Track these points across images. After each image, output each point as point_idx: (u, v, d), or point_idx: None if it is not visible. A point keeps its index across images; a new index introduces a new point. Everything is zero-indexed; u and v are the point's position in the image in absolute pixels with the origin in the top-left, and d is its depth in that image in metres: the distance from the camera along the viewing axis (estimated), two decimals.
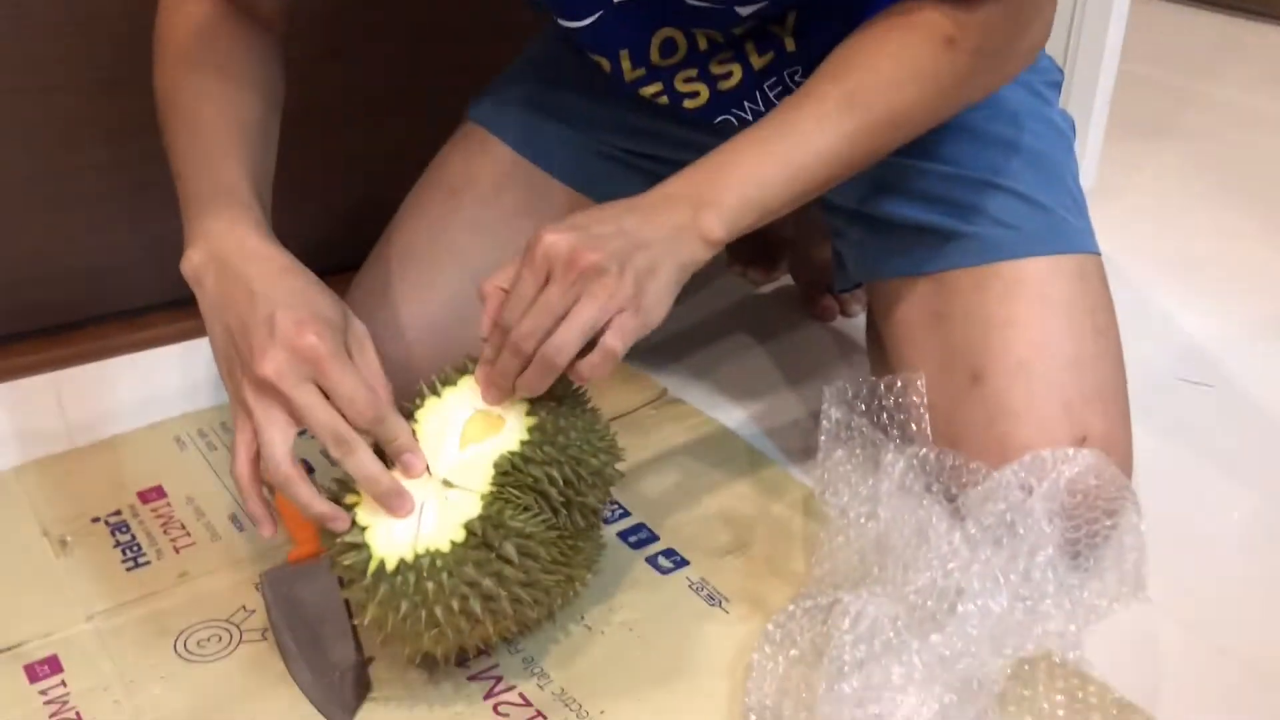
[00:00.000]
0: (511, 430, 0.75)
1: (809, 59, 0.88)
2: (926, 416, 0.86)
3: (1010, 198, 0.88)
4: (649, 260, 0.72)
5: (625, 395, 1.08)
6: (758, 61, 0.89)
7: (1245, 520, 0.95)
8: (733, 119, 0.93)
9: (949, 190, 0.89)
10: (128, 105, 1.11)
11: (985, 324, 0.86)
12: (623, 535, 0.91)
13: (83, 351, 1.13)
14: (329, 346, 0.71)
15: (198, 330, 1.17)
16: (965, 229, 0.88)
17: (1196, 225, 1.47)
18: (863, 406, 0.86)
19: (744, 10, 0.83)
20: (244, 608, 0.84)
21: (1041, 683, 0.74)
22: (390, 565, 0.70)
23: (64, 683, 0.78)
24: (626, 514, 0.93)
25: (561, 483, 0.75)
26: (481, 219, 1.00)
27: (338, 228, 1.27)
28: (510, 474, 0.74)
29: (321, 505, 0.73)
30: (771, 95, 0.92)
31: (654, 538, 0.91)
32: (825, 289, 1.22)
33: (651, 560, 0.89)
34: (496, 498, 0.73)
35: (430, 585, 0.69)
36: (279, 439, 0.72)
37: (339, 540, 0.73)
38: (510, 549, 0.71)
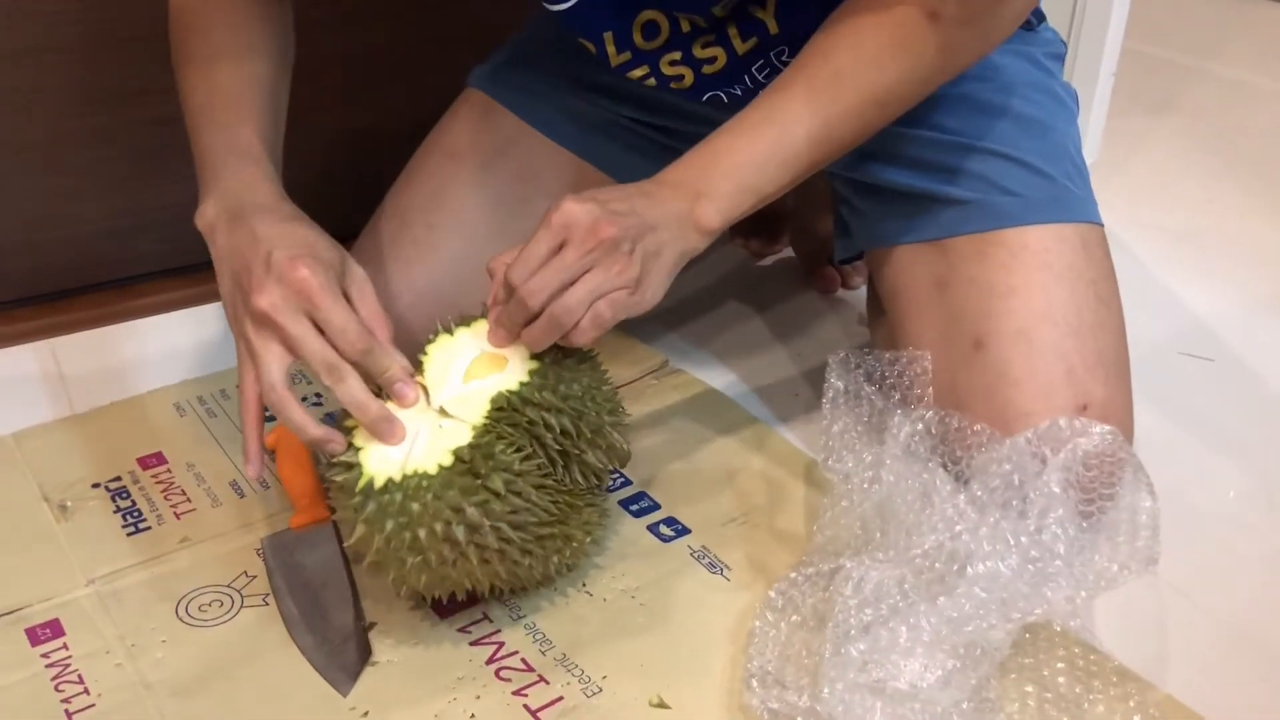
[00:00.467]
0: (513, 371, 0.77)
1: (794, 41, 0.88)
2: (930, 389, 0.86)
3: (1013, 165, 0.88)
4: (657, 243, 0.75)
5: (627, 365, 1.08)
6: (741, 46, 0.89)
7: (1243, 494, 0.95)
8: (722, 95, 0.93)
9: (952, 158, 0.89)
10: (125, 71, 1.11)
11: (988, 291, 0.86)
12: (624, 503, 0.91)
13: (81, 318, 1.13)
14: (320, 280, 0.74)
15: (197, 298, 1.19)
16: (968, 196, 0.88)
17: (1198, 200, 1.47)
18: (864, 375, 0.85)
19: None
20: (245, 573, 0.84)
21: (1042, 650, 0.74)
22: (378, 483, 0.72)
23: (65, 646, 0.78)
24: (628, 482, 0.93)
25: (559, 430, 0.75)
26: (482, 183, 1.00)
27: (337, 197, 1.26)
28: (506, 411, 0.75)
29: (315, 430, 0.75)
30: (760, 77, 0.91)
31: (655, 506, 0.91)
32: (826, 261, 1.22)
33: (653, 528, 0.89)
34: (489, 430, 0.74)
35: (415, 506, 0.71)
36: (274, 365, 0.75)
37: (334, 460, 0.76)
38: (498, 481, 0.72)
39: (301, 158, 1.25)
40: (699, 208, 0.76)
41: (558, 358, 0.78)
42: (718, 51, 0.89)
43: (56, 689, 0.75)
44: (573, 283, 0.73)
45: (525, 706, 0.73)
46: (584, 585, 0.83)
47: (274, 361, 0.75)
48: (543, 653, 0.78)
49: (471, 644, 0.78)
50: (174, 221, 1.20)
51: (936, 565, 0.69)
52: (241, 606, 0.82)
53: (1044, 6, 0.94)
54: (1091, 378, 0.83)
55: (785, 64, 0.89)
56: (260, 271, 0.74)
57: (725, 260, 1.29)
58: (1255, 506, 0.94)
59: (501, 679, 0.76)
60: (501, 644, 0.78)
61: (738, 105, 0.91)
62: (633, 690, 0.75)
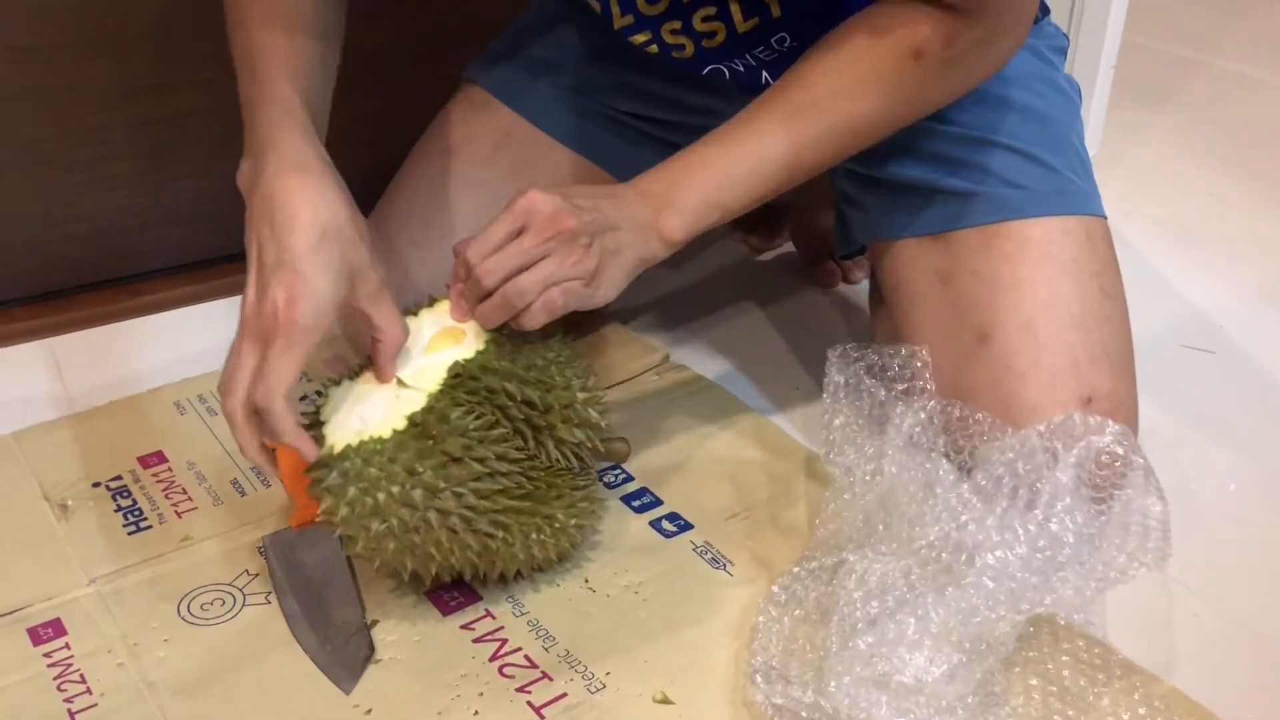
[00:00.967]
0: (470, 342, 0.79)
1: (795, 26, 0.88)
2: (932, 381, 0.86)
3: (1017, 158, 0.88)
4: (616, 242, 0.77)
5: (628, 360, 1.08)
6: (742, 25, 0.89)
7: (1245, 486, 0.95)
8: (723, 69, 0.92)
9: (956, 150, 0.89)
10: (125, 69, 1.11)
11: (993, 284, 0.86)
12: (626, 499, 0.91)
13: (81, 317, 1.13)
14: (294, 333, 0.72)
15: (195, 296, 1.18)
16: (973, 189, 0.88)
17: (1199, 193, 1.47)
18: (864, 369, 0.85)
19: None
20: (247, 571, 0.84)
21: (1047, 644, 0.74)
22: (337, 449, 0.74)
23: (67, 645, 0.78)
24: (630, 478, 0.93)
25: (519, 399, 0.76)
26: (479, 178, 1.00)
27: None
28: (462, 379, 0.76)
29: (252, 453, 0.76)
30: (762, 56, 0.91)
31: (657, 502, 0.91)
32: (827, 255, 1.22)
33: (655, 524, 0.89)
34: (444, 396, 0.76)
35: (371, 470, 0.73)
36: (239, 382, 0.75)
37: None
38: (454, 444, 0.73)
39: None
40: (664, 218, 0.78)
41: (516, 333, 0.79)
42: (718, 26, 0.89)
43: (59, 689, 0.74)
44: (529, 267, 0.75)
45: (529, 703, 0.73)
46: (586, 581, 0.83)
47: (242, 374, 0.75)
48: (545, 649, 0.77)
49: (474, 641, 0.78)
50: (174, 220, 1.20)
51: (943, 556, 0.69)
52: (243, 605, 0.81)
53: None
54: (1097, 370, 0.83)
55: (789, 49, 0.89)
56: (261, 280, 0.73)
57: (726, 255, 1.29)
58: (1256, 498, 0.94)
59: (505, 676, 0.75)
60: (504, 641, 0.78)
61: (740, 81, 0.91)
62: (636, 686, 0.75)
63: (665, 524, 0.89)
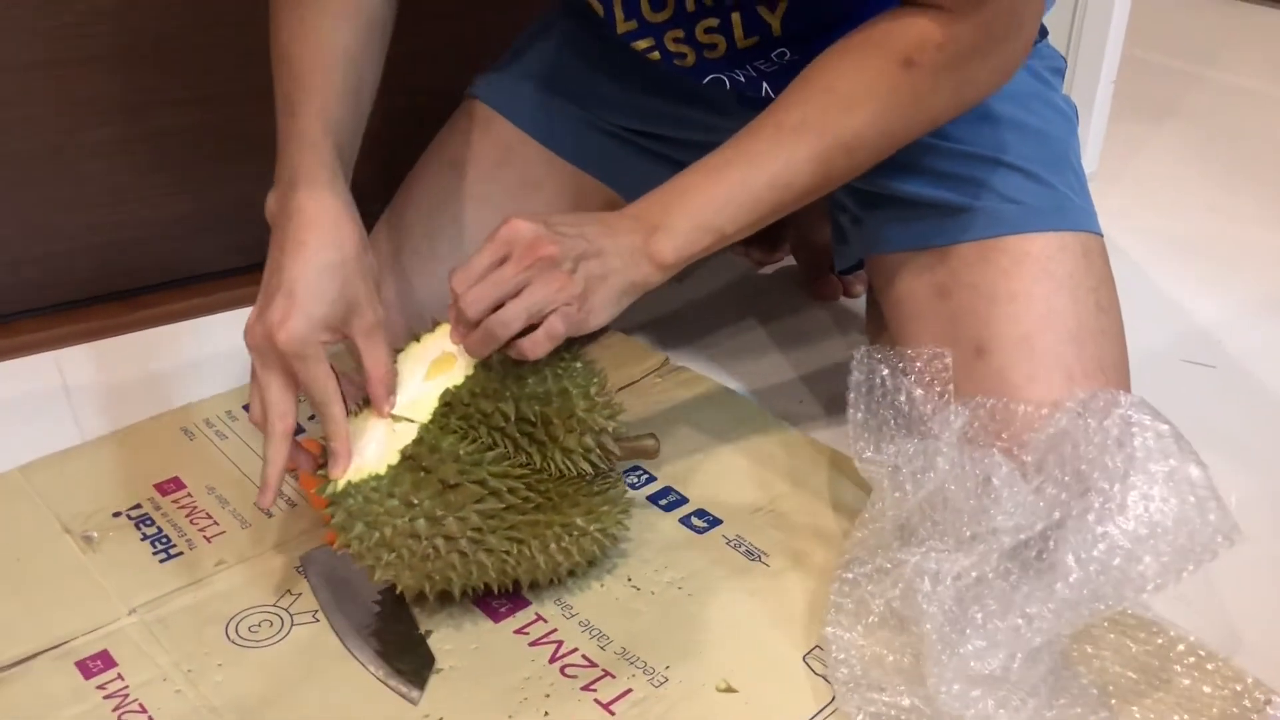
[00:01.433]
0: (460, 368, 0.80)
1: (795, 42, 0.90)
2: (951, 384, 0.86)
3: (1015, 174, 0.89)
4: (601, 268, 0.76)
5: (629, 365, 1.10)
6: (742, 41, 0.90)
7: (1247, 502, 0.90)
8: (724, 79, 0.94)
9: (954, 166, 0.90)
10: (128, 85, 1.11)
11: (990, 298, 0.86)
12: (653, 499, 0.93)
13: (85, 330, 1.14)
14: (293, 349, 0.76)
15: (195, 310, 1.20)
16: (970, 203, 0.89)
17: (1199, 207, 1.47)
18: (886, 370, 0.86)
19: None
20: (289, 591, 0.84)
21: (1111, 632, 0.77)
22: (340, 486, 0.77)
23: (120, 676, 0.77)
24: (653, 478, 0.96)
25: (514, 417, 0.78)
26: (483, 193, 1.01)
27: None
28: (454, 406, 0.78)
29: (271, 477, 0.79)
30: (763, 69, 0.93)
31: (684, 500, 0.93)
32: (827, 269, 1.23)
33: (685, 521, 0.91)
34: (436, 426, 0.78)
35: (374, 506, 0.75)
36: (255, 399, 0.79)
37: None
38: (449, 471, 0.75)
39: None
40: (654, 242, 0.78)
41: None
42: (719, 39, 0.90)
43: None
44: (513, 296, 0.75)
45: (596, 701, 0.75)
46: (630, 580, 0.85)
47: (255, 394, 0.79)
48: (602, 648, 0.79)
49: (531, 644, 0.80)
50: (175, 235, 1.20)
51: (1027, 551, 0.71)
52: (292, 625, 0.82)
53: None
54: (1092, 384, 0.83)
55: (788, 62, 0.91)
56: (260, 307, 0.77)
57: (726, 269, 1.30)
58: (1259, 513, 0.92)
59: (567, 676, 0.77)
60: (560, 643, 0.80)
61: (740, 91, 0.93)
62: (699, 677, 0.77)
63: (695, 520, 0.91)
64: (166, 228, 1.19)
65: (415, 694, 0.76)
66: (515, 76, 1.03)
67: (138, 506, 0.92)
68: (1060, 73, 1.00)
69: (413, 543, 0.75)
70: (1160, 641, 0.79)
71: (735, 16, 0.89)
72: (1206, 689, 0.76)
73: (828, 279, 1.24)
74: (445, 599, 0.82)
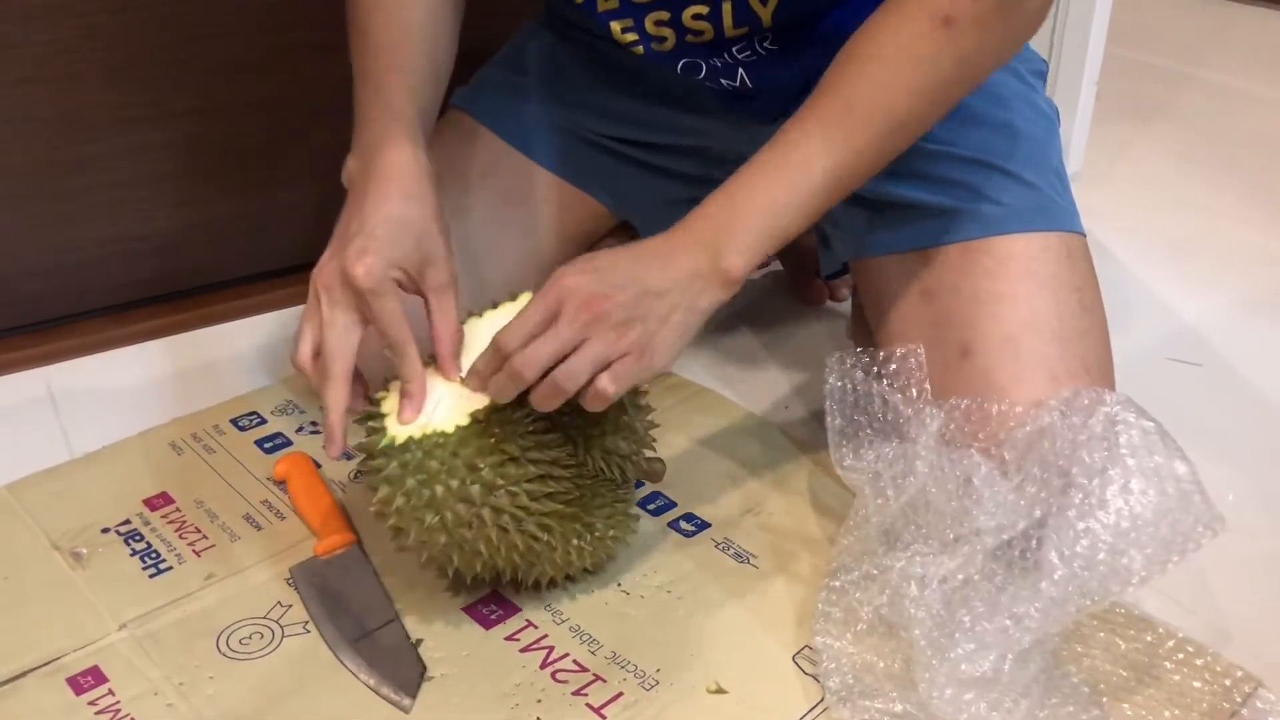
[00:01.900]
0: None
1: (781, 32, 0.90)
2: (927, 384, 0.86)
3: (999, 175, 0.90)
4: (665, 308, 0.74)
5: None
6: (731, 30, 0.91)
7: (1235, 499, 0.94)
8: (700, 64, 0.93)
9: (937, 168, 0.91)
10: (113, 99, 1.12)
11: (974, 299, 0.86)
12: (641, 503, 0.94)
13: (72, 346, 1.14)
14: (369, 284, 0.76)
15: (183, 325, 1.19)
16: (954, 205, 0.89)
17: (1184, 206, 1.48)
18: (861, 375, 0.86)
19: None
20: (280, 603, 0.84)
21: (1101, 630, 0.78)
22: (399, 440, 0.76)
23: (111, 691, 0.77)
24: (640, 483, 0.96)
25: (574, 408, 0.77)
26: (467, 204, 1.01)
27: (322, 218, 1.27)
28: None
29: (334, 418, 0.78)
30: (740, 56, 0.93)
31: (672, 504, 0.94)
32: (814, 274, 1.24)
33: (674, 525, 0.92)
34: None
35: (432, 463, 0.75)
36: (305, 341, 0.79)
37: (364, 423, 0.80)
38: (514, 445, 0.75)
39: (285, 180, 1.26)
40: (723, 260, 0.75)
41: None
42: (706, 26, 0.90)
43: None
44: (570, 353, 0.73)
45: (588, 705, 0.75)
46: (619, 585, 0.85)
47: (308, 327, 0.79)
48: (592, 652, 0.80)
49: (521, 650, 0.80)
50: (161, 249, 1.21)
51: (1013, 549, 0.71)
52: (283, 636, 0.82)
53: None
54: (1075, 384, 0.83)
55: (766, 49, 0.91)
56: (336, 246, 0.78)
57: None
58: (1246, 511, 0.94)
59: (558, 681, 0.77)
60: (551, 648, 0.80)
61: (714, 78, 0.93)
62: (689, 679, 0.77)
63: (683, 524, 0.92)
64: (157, 242, 1.19)
65: (407, 702, 0.76)
66: (498, 88, 1.04)
67: (126, 522, 0.92)
68: (1042, 75, 1.01)
69: (462, 507, 0.75)
70: (1149, 638, 0.79)
71: (726, 6, 0.89)
72: (1196, 684, 0.76)
73: (814, 284, 1.25)
74: (444, 605, 0.82)
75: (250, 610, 0.84)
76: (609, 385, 0.73)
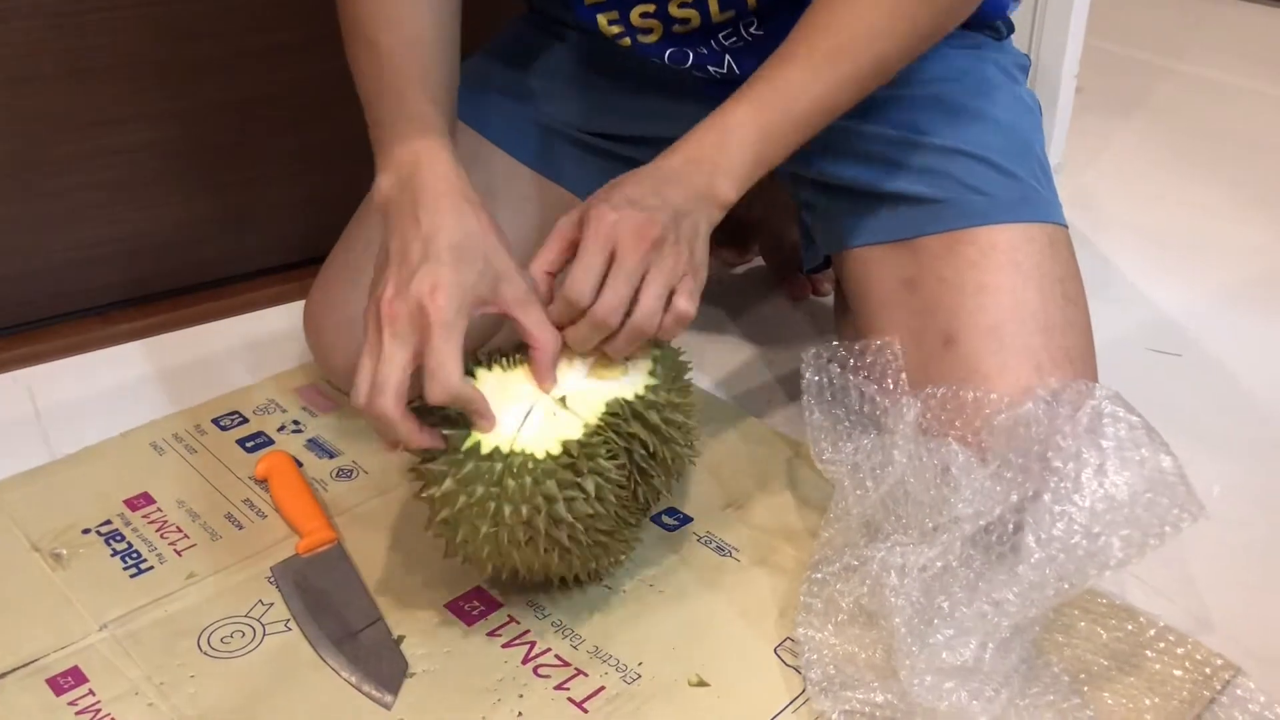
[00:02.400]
0: (631, 381, 0.79)
1: (766, 14, 0.91)
2: (904, 376, 0.87)
3: (982, 165, 0.90)
4: (691, 225, 0.78)
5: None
6: (717, 14, 0.91)
7: (1218, 488, 0.95)
8: (688, 53, 0.94)
9: (921, 158, 0.91)
10: (95, 100, 1.12)
11: (958, 289, 0.87)
12: None
13: (52, 349, 1.14)
14: (443, 318, 0.72)
15: (160, 326, 1.19)
16: (938, 195, 0.90)
17: (1163, 198, 1.49)
18: (838, 369, 0.87)
19: None
20: (261, 601, 0.84)
21: (1077, 608, 0.78)
22: (485, 448, 0.74)
23: (92, 692, 0.77)
24: None
25: (649, 451, 0.78)
26: None
27: (306, 218, 1.28)
28: (617, 417, 0.77)
29: (419, 436, 0.75)
30: (726, 43, 0.93)
31: None
32: (797, 269, 1.24)
33: (656, 519, 0.92)
34: (599, 433, 0.76)
35: (511, 482, 0.73)
36: (364, 379, 0.75)
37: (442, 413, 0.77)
38: (590, 484, 0.74)
39: (268, 180, 1.26)
40: (716, 182, 0.79)
41: (671, 375, 0.81)
42: (692, 14, 0.91)
43: None
44: (639, 289, 0.75)
45: (570, 700, 0.75)
46: (602, 580, 0.85)
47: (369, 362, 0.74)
48: (575, 647, 0.80)
49: (504, 646, 0.80)
50: (141, 250, 1.20)
51: (989, 536, 0.71)
52: (264, 635, 0.81)
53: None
54: (1060, 374, 0.83)
55: (753, 35, 0.92)
56: (402, 277, 0.74)
57: None
58: (1224, 500, 0.94)
59: (541, 676, 0.77)
60: (533, 644, 0.80)
61: (701, 66, 0.93)
62: (671, 672, 0.77)
63: (665, 518, 0.92)
64: (137, 244, 1.19)
65: (389, 699, 0.76)
66: (479, 85, 1.03)
67: (107, 522, 0.92)
68: (1025, 70, 1.01)
69: (521, 531, 0.74)
70: (1130, 627, 0.80)
71: None
72: (1177, 672, 0.77)
73: (797, 278, 1.25)
74: (425, 602, 0.82)
75: (232, 609, 0.84)
76: (688, 306, 0.77)
